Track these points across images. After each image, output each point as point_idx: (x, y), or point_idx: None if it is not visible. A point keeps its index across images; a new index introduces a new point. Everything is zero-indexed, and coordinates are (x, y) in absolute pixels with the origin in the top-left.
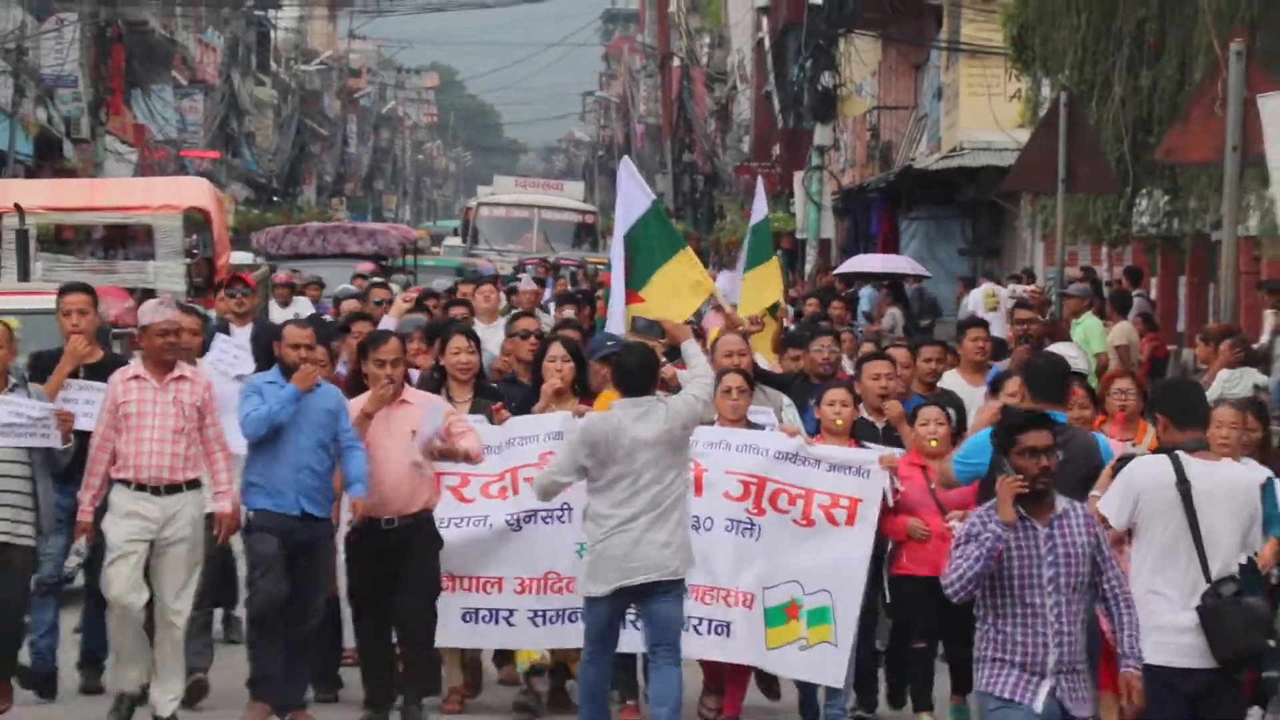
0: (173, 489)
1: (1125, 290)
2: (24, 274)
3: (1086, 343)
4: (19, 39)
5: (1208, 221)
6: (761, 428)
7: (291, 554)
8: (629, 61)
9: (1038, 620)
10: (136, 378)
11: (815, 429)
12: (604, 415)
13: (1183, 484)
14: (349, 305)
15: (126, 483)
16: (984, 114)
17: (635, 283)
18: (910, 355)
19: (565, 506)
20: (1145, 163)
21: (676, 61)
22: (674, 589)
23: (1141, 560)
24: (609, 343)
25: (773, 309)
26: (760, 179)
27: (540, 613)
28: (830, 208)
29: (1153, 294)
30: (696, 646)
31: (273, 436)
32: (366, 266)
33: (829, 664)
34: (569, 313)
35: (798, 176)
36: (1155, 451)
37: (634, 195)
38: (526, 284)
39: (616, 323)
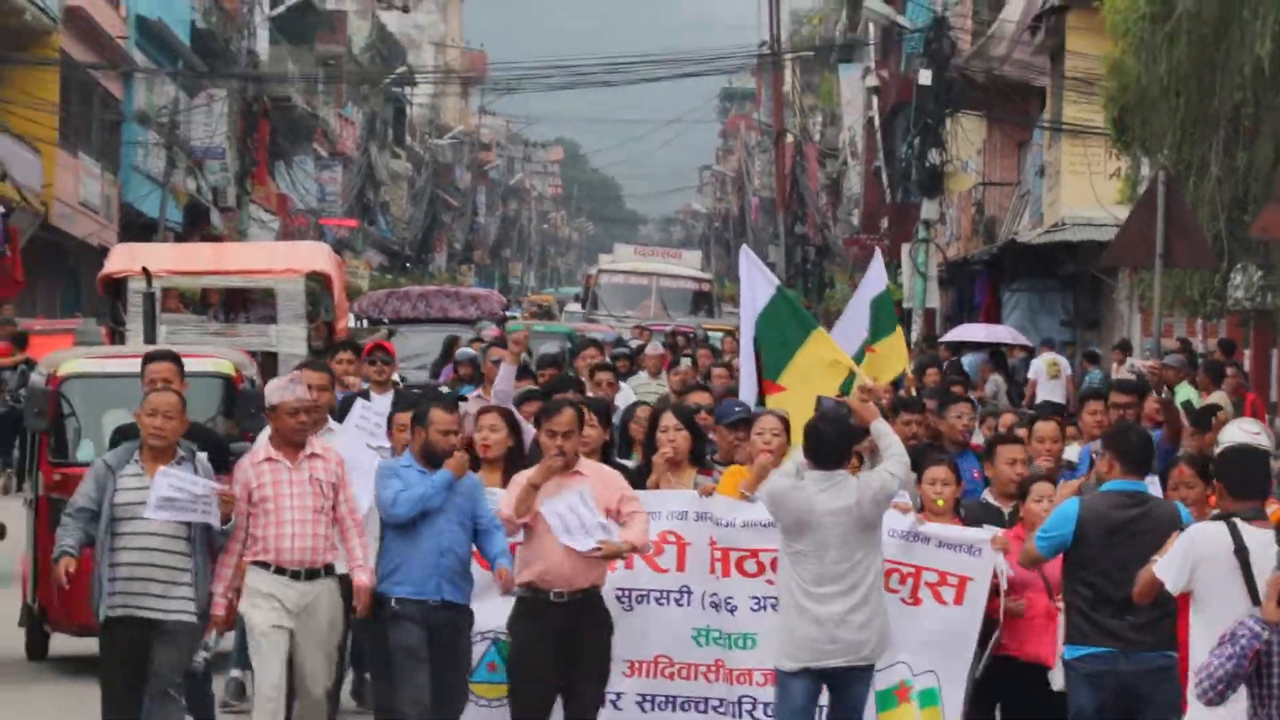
0: (312, 574)
1: (1219, 361)
2: (150, 336)
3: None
4: (172, 113)
5: None
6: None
7: (433, 642)
8: (745, 137)
9: None
10: (269, 459)
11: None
12: (793, 484)
13: (1240, 551)
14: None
15: (265, 565)
16: (1085, 191)
17: (771, 372)
18: (1059, 430)
19: (684, 589)
20: (1240, 239)
21: (790, 138)
22: (865, 674)
23: (1203, 627)
24: (736, 408)
25: (897, 381)
26: (879, 249)
27: (649, 698)
28: (935, 279)
29: (1246, 365)
30: None
31: (419, 520)
32: (493, 332)
33: None
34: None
35: (905, 248)
36: (1214, 519)
37: (757, 283)
38: (653, 349)
39: (749, 399)
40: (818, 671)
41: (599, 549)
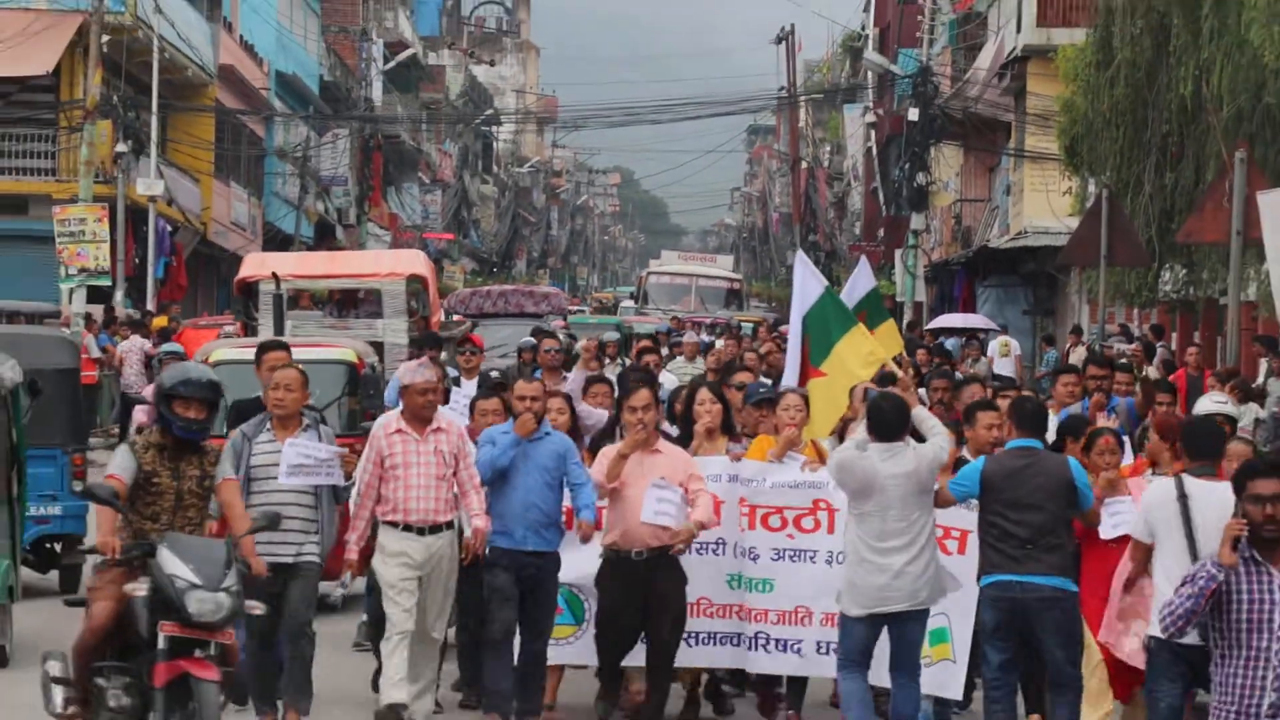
0: (435, 529)
1: (1151, 342)
2: (279, 330)
3: None
4: (304, 149)
5: (1216, 289)
6: None
7: (524, 584)
8: (767, 164)
9: (1259, 664)
10: (399, 431)
11: None
12: (859, 455)
13: (1182, 498)
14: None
15: (394, 524)
16: (1043, 205)
17: (816, 359)
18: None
19: (720, 541)
20: (1168, 243)
21: (804, 164)
22: (921, 616)
23: (1159, 565)
24: (761, 389)
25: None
26: (864, 256)
27: (692, 634)
28: (922, 277)
29: (1173, 346)
30: (831, 668)
31: (504, 479)
32: (559, 324)
33: (950, 679)
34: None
35: (897, 253)
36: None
37: (809, 283)
38: (690, 337)
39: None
40: (881, 616)
41: (677, 534)
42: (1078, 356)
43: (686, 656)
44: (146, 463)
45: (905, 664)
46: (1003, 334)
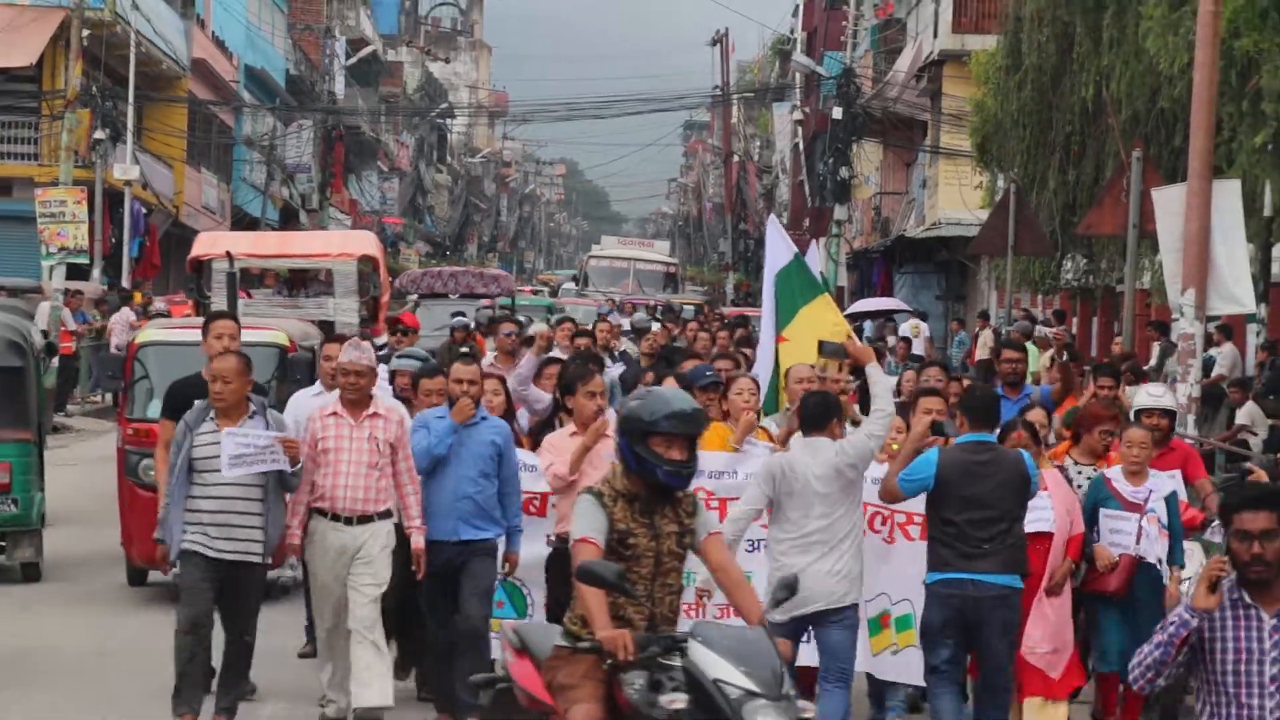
0: (364, 519)
1: (1054, 326)
2: (232, 310)
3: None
4: (271, 139)
5: (1114, 278)
6: None
7: (451, 573)
8: (702, 157)
9: None
10: (334, 414)
11: None
12: (782, 453)
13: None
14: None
15: (323, 513)
16: (955, 199)
17: (779, 326)
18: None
19: None
20: (1070, 235)
21: (736, 158)
22: (844, 616)
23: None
24: (708, 372)
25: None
26: (771, 220)
27: None
28: (844, 264)
29: (1074, 329)
30: (811, 655)
31: (438, 466)
32: (486, 302)
33: (916, 665)
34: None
35: (821, 241)
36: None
37: (779, 249)
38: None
39: (766, 363)
40: (803, 618)
41: None
42: (986, 339)
43: None
44: (618, 519)
45: (832, 669)
46: (913, 316)
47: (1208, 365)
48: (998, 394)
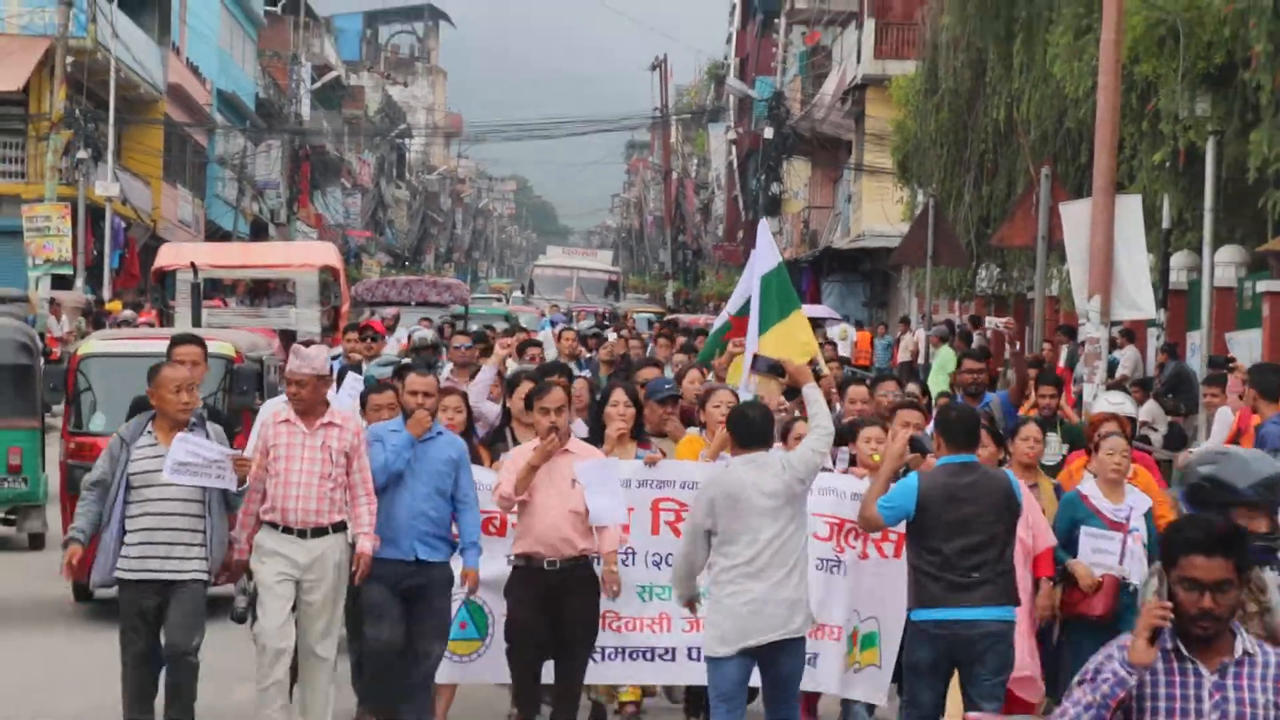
0: (318, 532)
1: (970, 331)
2: (196, 319)
3: (944, 366)
4: (242, 157)
5: (1025, 286)
6: (830, 469)
7: (406, 599)
8: (643, 175)
9: None
10: (287, 421)
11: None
12: (724, 470)
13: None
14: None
15: (274, 525)
16: (878, 213)
17: (760, 331)
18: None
19: (628, 550)
20: (984, 246)
21: (675, 175)
22: (797, 646)
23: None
24: (666, 385)
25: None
26: (764, 221)
27: (600, 649)
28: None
29: (988, 334)
30: None
31: (393, 483)
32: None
33: (875, 684)
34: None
35: (755, 253)
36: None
37: (766, 254)
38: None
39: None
40: (751, 650)
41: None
42: (908, 341)
43: (595, 673)
44: None
45: (781, 703)
46: (841, 322)
47: (1112, 366)
48: (976, 411)
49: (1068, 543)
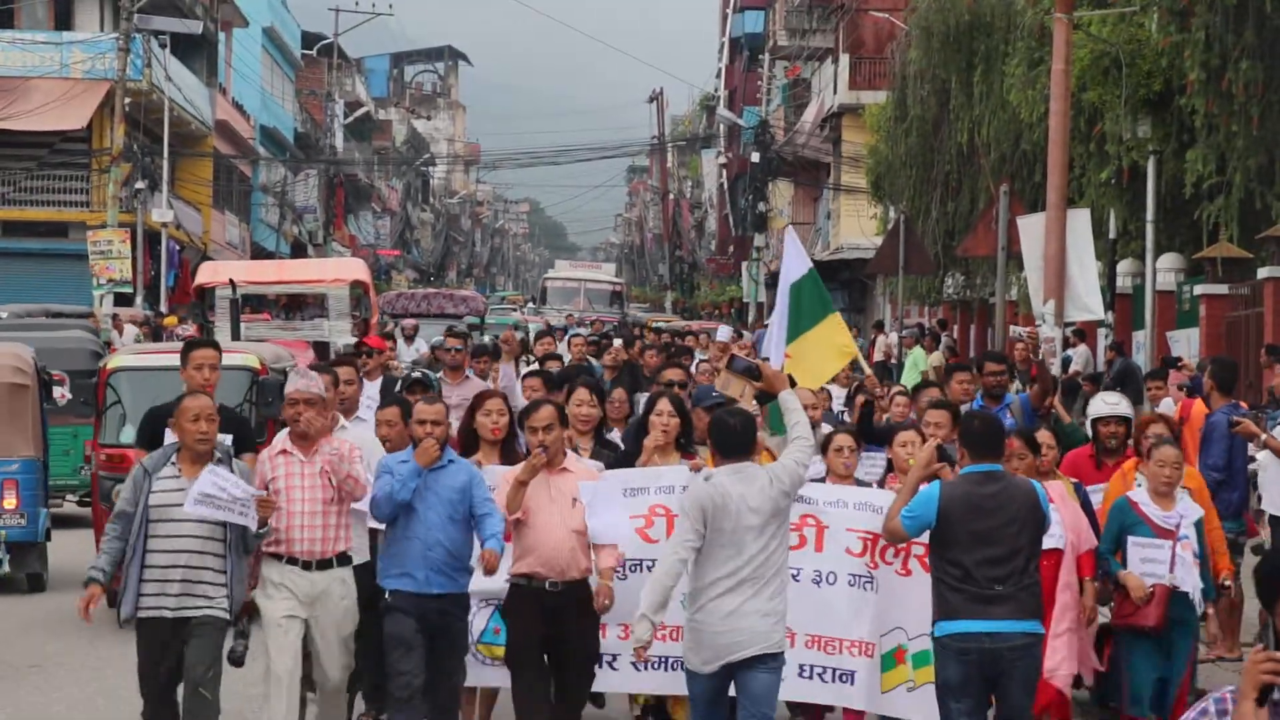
0: (323, 564)
1: (938, 333)
2: (235, 334)
3: (916, 365)
4: (282, 185)
5: (987, 292)
6: (868, 484)
7: (427, 633)
8: (643, 196)
9: None
10: (284, 452)
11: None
12: (710, 482)
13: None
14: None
15: (278, 557)
16: (855, 228)
17: (788, 339)
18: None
19: (640, 561)
20: (950, 256)
21: (671, 196)
22: (774, 661)
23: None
24: (714, 393)
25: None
26: (790, 229)
27: (614, 656)
28: (764, 284)
29: (955, 334)
30: (820, 693)
31: (405, 513)
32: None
33: (931, 705)
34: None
35: (744, 265)
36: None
37: (795, 261)
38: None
39: (776, 359)
40: (731, 665)
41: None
42: (881, 343)
43: (638, 682)
44: None
45: (755, 714)
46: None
47: (1066, 363)
48: (1000, 419)
49: (1118, 548)
